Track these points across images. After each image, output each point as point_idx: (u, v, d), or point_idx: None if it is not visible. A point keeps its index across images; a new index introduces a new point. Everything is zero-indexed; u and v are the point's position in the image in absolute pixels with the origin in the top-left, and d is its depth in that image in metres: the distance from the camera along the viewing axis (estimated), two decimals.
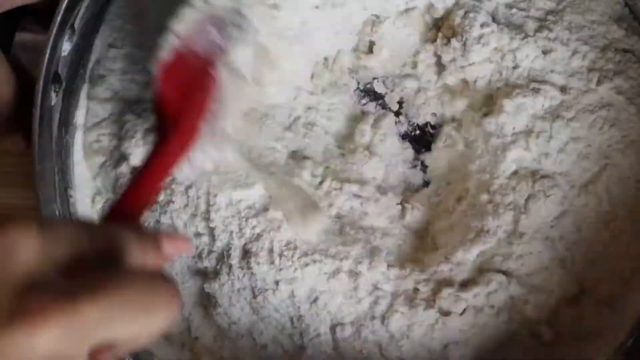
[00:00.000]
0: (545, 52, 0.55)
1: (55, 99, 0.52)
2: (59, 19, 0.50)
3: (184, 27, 0.47)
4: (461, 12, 0.56)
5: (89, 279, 0.29)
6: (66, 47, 0.52)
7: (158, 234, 0.37)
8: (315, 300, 0.52)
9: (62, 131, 0.54)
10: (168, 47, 0.46)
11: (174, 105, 0.46)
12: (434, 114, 0.58)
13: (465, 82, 0.57)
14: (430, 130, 0.58)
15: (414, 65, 0.58)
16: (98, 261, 0.30)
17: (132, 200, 0.39)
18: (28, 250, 0.28)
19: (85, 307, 0.27)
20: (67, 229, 0.30)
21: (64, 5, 0.50)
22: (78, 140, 0.57)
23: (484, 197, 0.54)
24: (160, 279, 0.32)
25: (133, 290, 0.29)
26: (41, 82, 0.49)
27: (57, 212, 0.52)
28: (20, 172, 0.60)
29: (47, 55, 0.49)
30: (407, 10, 0.58)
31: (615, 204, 0.54)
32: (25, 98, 0.51)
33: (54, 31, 0.50)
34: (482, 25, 0.55)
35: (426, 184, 0.58)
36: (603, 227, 0.53)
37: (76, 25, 0.53)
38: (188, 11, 0.47)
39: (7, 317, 0.26)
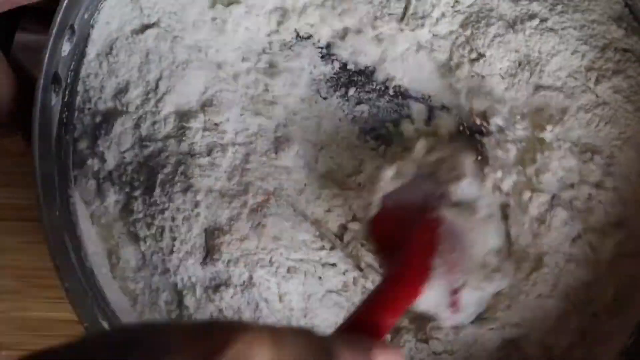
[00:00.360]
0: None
1: (55, 99, 0.52)
2: (59, 19, 0.50)
3: (388, 187, 0.51)
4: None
5: None
6: (66, 47, 0.52)
7: (372, 344, 0.37)
8: None
9: (62, 131, 0.54)
10: (375, 207, 0.50)
11: (391, 246, 0.49)
12: None
13: None
14: None
15: None
16: None
17: (361, 332, 0.39)
18: (263, 358, 0.30)
19: None
20: (293, 341, 0.32)
21: (64, 5, 0.50)
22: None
23: None
24: None
25: None
26: (41, 82, 0.49)
27: (57, 213, 0.52)
28: (20, 172, 0.61)
29: (47, 55, 0.49)
30: None
31: (624, 202, 0.54)
32: (25, 98, 0.51)
33: (54, 31, 0.49)
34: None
35: None
36: (615, 230, 0.54)
37: (76, 26, 0.53)
38: (389, 173, 0.52)
39: None
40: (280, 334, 0.32)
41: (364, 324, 0.40)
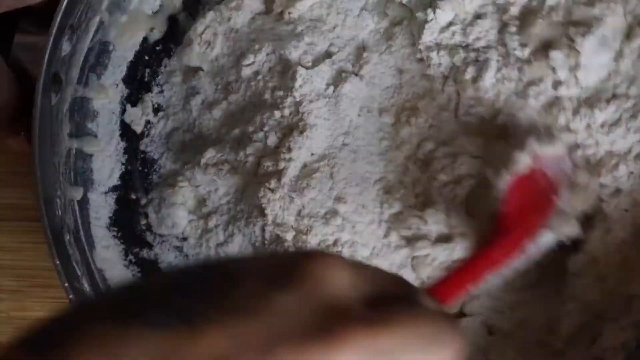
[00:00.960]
0: None
1: (55, 99, 0.53)
2: (58, 19, 0.50)
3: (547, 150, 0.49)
4: None
5: (389, 311, 0.30)
6: (66, 47, 0.52)
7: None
8: None
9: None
10: (525, 165, 0.48)
11: (511, 217, 0.48)
12: None
13: None
14: None
15: None
16: (395, 299, 0.33)
17: (446, 286, 0.41)
18: (340, 278, 0.30)
19: (383, 337, 0.29)
20: (369, 270, 0.33)
21: (64, 5, 0.50)
22: None
23: None
24: (449, 319, 0.34)
25: (426, 325, 0.31)
26: (41, 82, 0.49)
27: (57, 212, 0.52)
28: (20, 172, 0.61)
29: (47, 56, 0.50)
30: None
31: None
32: (25, 98, 0.52)
33: (54, 31, 0.50)
34: None
35: None
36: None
37: (76, 26, 0.53)
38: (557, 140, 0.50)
39: (309, 333, 0.28)
40: (362, 264, 0.33)
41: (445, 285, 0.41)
